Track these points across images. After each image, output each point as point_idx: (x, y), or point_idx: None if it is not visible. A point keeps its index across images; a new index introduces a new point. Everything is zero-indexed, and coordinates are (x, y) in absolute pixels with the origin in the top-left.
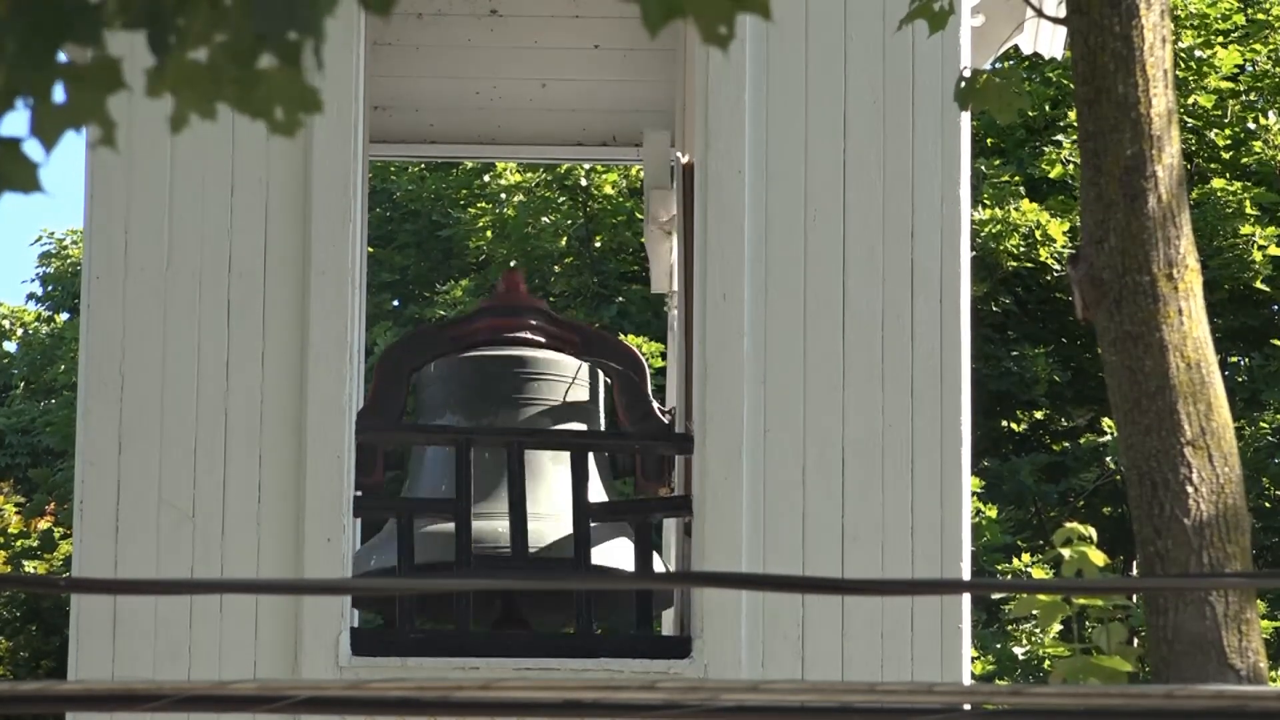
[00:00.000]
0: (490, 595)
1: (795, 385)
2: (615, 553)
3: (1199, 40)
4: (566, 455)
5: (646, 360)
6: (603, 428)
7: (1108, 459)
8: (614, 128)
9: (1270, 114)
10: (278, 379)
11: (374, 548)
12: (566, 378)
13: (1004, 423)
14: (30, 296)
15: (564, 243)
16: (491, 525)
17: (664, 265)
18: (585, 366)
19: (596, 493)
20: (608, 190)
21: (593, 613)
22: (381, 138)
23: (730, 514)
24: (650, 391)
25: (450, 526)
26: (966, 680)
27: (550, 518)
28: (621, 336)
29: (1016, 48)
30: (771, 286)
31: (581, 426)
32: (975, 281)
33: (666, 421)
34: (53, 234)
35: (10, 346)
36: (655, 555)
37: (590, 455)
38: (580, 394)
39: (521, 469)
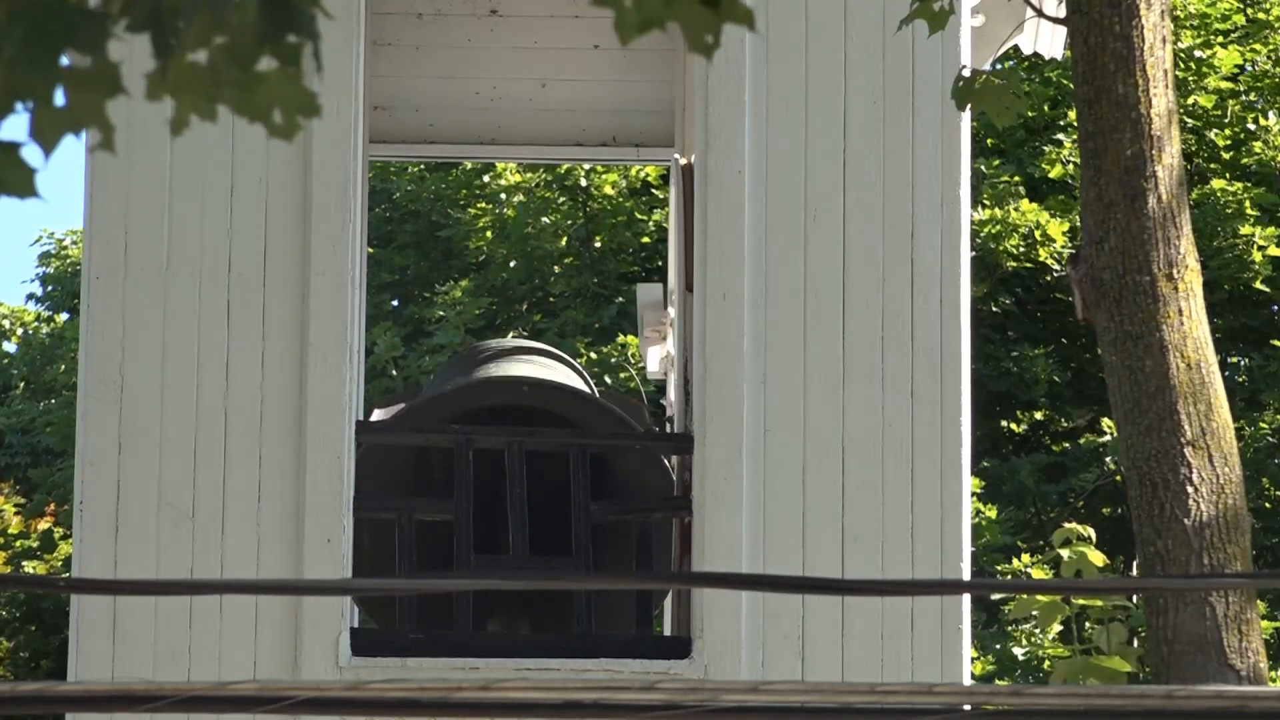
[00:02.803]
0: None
1: (795, 385)
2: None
3: (1199, 40)
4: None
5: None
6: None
7: (1108, 459)
8: (614, 128)
9: (1270, 114)
10: (277, 379)
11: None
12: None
13: (1004, 423)
14: (30, 296)
15: (564, 243)
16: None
17: (660, 356)
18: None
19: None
20: (608, 190)
21: (594, 612)
22: (381, 138)
23: (730, 514)
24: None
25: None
26: (966, 680)
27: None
28: (621, 336)
29: (1016, 48)
30: (771, 286)
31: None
32: (975, 281)
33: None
34: (53, 234)
35: (10, 346)
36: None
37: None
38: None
39: (522, 469)
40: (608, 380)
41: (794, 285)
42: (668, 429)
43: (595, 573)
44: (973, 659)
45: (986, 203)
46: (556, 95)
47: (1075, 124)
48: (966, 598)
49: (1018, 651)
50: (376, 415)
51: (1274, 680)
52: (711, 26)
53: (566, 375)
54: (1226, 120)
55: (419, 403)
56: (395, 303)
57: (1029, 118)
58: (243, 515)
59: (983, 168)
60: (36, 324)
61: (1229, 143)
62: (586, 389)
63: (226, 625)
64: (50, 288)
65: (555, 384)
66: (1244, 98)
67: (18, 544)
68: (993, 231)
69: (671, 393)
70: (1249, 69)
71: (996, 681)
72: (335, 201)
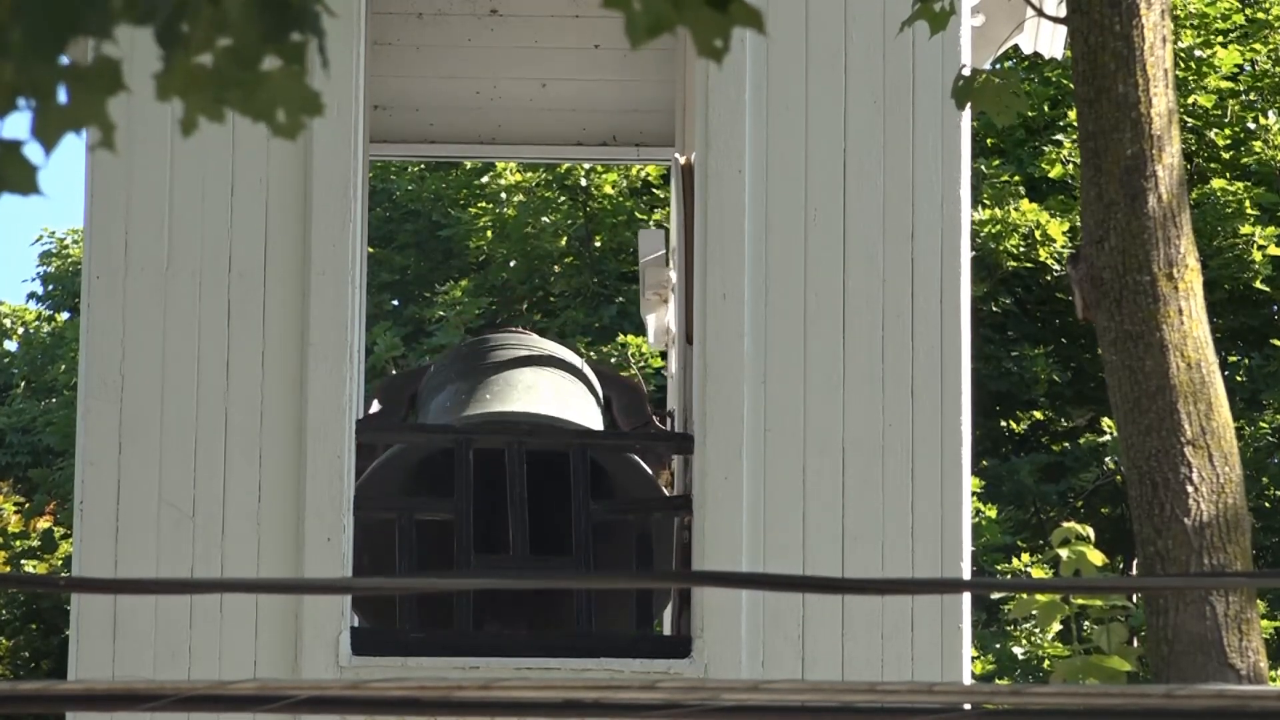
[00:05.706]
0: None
1: (795, 385)
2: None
3: (1199, 40)
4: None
5: (646, 359)
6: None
7: (1108, 459)
8: (614, 128)
9: (1270, 114)
10: (278, 379)
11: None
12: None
13: (1004, 423)
14: (31, 296)
15: (564, 243)
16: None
17: (660, 325)
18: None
19: (586, 407)
20: (608, 190)
21: (594, 611)
22: (381, 138)
23: (730, 514)
24: (650, 411)
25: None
26: (966, 680)
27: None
28: (621, 336)
29: (1016, 47)
30: (771, 286)
31: (572, 378)
32: (975, 281)
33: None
34: (53, 234)
35: (10, 346)
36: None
37: (580, 381)
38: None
39: (522, 469)
40: None
41: (794, 285)
42: (670, 425)
43: (595, 573)
44: (973, 659)
45: (986, 203)
46: (556, 95)
47: (1075, 124)
48: (966, 597)
49: (1018, 651)
50: (375, 407)
51: (1274, 680)
52: (721, 30)
53: (574, 389)
54: (1226, 120)
55: (431, 431)
56: (395, 303)
57: (1029, 118)
58: (243, 515)
59: (983, 168)
60: (37, 323)
61: (1229, 142)
62: (592, 395)
63: (226, 625)
64: (51, 287)
65: (554, 424)
66: (1244, 97)
67: (18, 544)
68: (993, 231)
69: (672, 391)
70: (1249, 69)
71: (996, 681)
72: (335, 201)
